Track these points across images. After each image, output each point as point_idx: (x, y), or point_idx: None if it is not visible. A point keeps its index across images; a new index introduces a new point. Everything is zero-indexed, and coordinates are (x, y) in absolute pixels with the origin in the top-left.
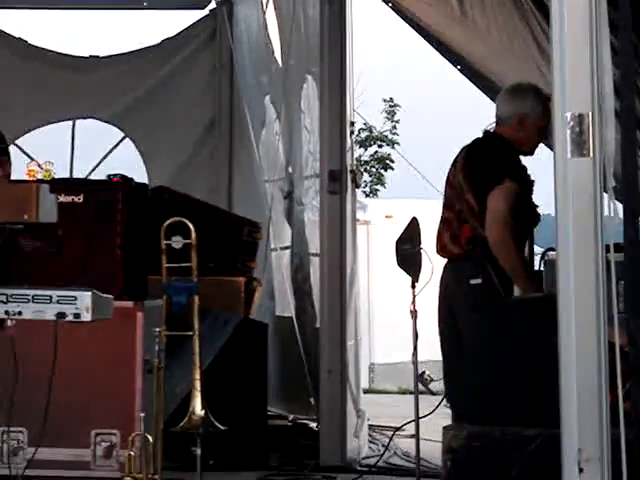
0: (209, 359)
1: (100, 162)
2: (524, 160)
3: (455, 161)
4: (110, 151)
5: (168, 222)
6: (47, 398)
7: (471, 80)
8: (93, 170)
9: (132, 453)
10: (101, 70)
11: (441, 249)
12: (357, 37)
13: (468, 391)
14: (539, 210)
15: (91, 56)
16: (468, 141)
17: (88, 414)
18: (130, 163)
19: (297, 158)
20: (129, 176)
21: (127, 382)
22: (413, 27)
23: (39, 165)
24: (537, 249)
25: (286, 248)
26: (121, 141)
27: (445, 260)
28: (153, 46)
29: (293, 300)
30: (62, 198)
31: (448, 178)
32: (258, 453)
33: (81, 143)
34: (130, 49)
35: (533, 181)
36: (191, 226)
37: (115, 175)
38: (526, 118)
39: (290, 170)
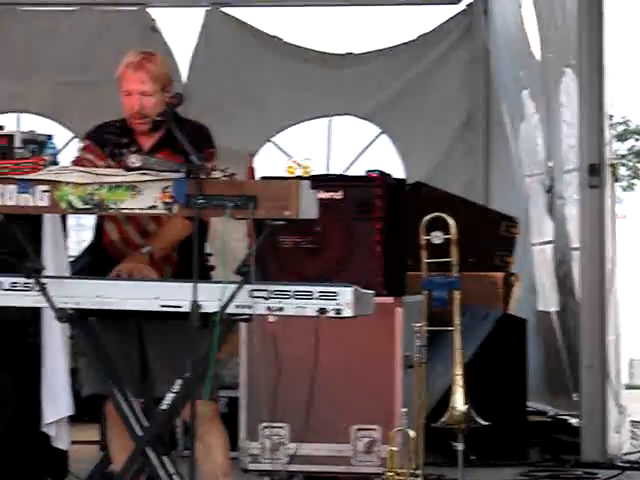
0: (469, 354)
1: (356, 158)
2: None
3: None
4: (367, 147)
5: (428, 217)
6: (309, 394)
7: None
8: (349, 167)
9: (394, 449)
10: (357, 66)
11: None
12: (615, 28)
13: None
14: None
15: (347, 53)
16: None
17: (349, 410)
18: (386, 159)
19: (557, 152)
20: (386, 172)
21: (387, 377)
22: None
23: (297, 163)
24: None
25: (548, 243)
26: (377, 137)
27: None
28: (409, 42)
29: (555, 295)
30: (321, 194)
31: None
32: (518, 449)
33: (337, 139)
34: (385, 45)
35: None
36: (451, 221)
37: (374, 171)
38: None
39: (550, 164)
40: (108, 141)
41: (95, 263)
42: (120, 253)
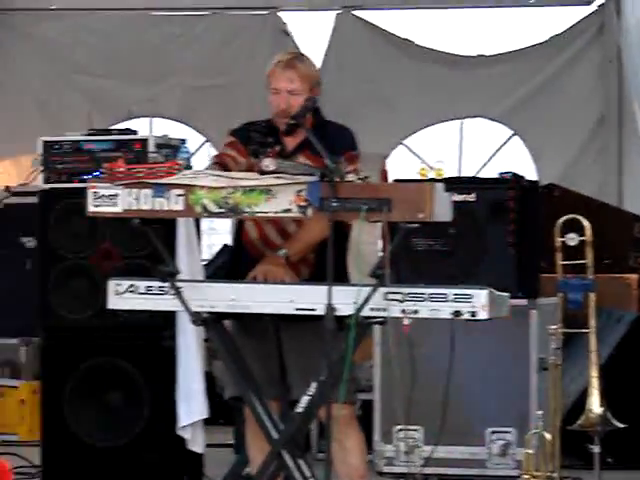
0: (604, 357)
1: (489, 160)
2: None
3: None
4: (498, 149)
5: (563, 219)
6: (443, 396)
7: None
8: (481, 169)
9: (529, 451)
10: (489, 68)
11: None
12: None
13: None
14: None
15: (478, 55)
16: None
17: (483, 412)
18: (518, 161)
19: None
20: (519, 174)
21: (522, 380)
22: None
23: (429, 166)
24: None
25: None
26: (509, 139)
27: None
28: (540, 43)
29: None
30: (454, 197)
31: None
32: None
33: (469, 142)
34: (517, 47)
35: None
36: (586, 223)
37: (506, 173)
38: None
39: None
40: (253, 139)
41: (234, 261)
42: (259, 252)
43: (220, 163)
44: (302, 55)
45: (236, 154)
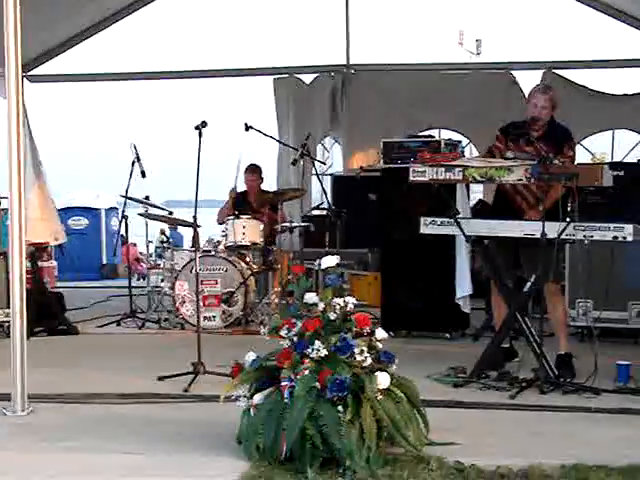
0: None
1: (629, 152)
2: None
3: None
4: (634, 146)
5: None
6: (606, 283)
7: None
8: (625, 156)
9: None
10: (629, 100)
11: None
12: None
13: None
14: None
15: (623, 94)
16: None
17: (626, 292)
18: None
19: None
20: None
21: None
22: None
23: (595, 156)
24: None
25: None
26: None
27: None
28: None
29: None
30: (613, 172)
31: None
32: None
33: (618, 142)
34: None
35: None
36: None
37: None
38: None
39: None
40: (510, 132)
41: (495, 204)
42: (513, 199)
43: (489, 152)
44: (551, 88)
45: (499, 144)
